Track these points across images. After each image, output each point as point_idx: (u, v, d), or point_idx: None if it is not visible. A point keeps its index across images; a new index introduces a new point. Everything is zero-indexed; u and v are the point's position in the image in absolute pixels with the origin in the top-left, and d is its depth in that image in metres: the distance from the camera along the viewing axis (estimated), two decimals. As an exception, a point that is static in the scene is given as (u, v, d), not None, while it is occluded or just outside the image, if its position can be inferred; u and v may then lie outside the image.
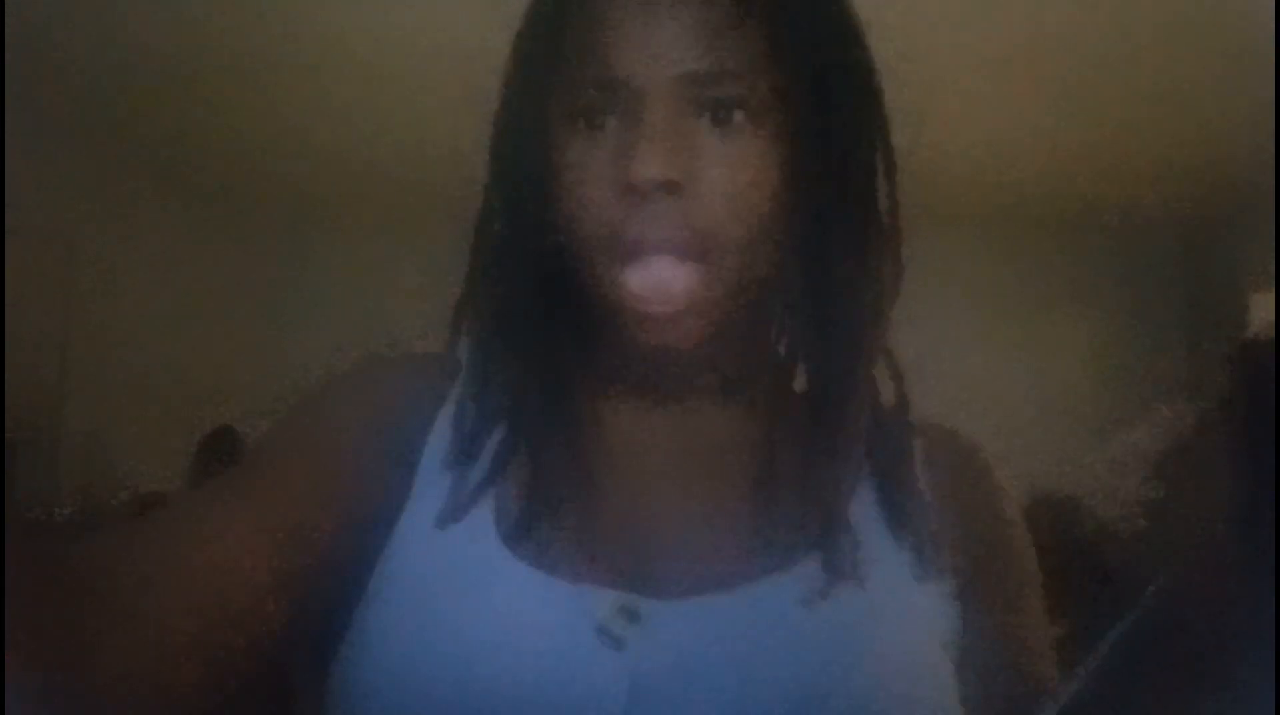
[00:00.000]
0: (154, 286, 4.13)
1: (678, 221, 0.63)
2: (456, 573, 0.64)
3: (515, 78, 0.70)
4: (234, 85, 3.06)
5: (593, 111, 0.65)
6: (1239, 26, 2.35)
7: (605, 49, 0.64)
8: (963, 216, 3.83)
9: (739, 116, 0.64)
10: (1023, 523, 0.75)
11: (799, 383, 0.72)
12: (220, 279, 4.41)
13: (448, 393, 0.72)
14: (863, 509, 0.70)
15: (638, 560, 0.66)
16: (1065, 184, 3.91)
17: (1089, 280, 4.72)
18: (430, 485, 0.68)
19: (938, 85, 2.81)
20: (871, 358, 0.70)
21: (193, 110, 3.21)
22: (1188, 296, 4.76)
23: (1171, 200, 4.00)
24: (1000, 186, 3.89)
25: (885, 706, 0.63)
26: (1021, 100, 3.27)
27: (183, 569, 0.57)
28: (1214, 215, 4.29)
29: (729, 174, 0.64)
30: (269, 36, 2.73)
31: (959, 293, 4.09)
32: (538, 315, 0.69)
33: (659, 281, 0.64)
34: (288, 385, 0.79)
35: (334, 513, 0.64)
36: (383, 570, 0.65)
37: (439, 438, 0.70)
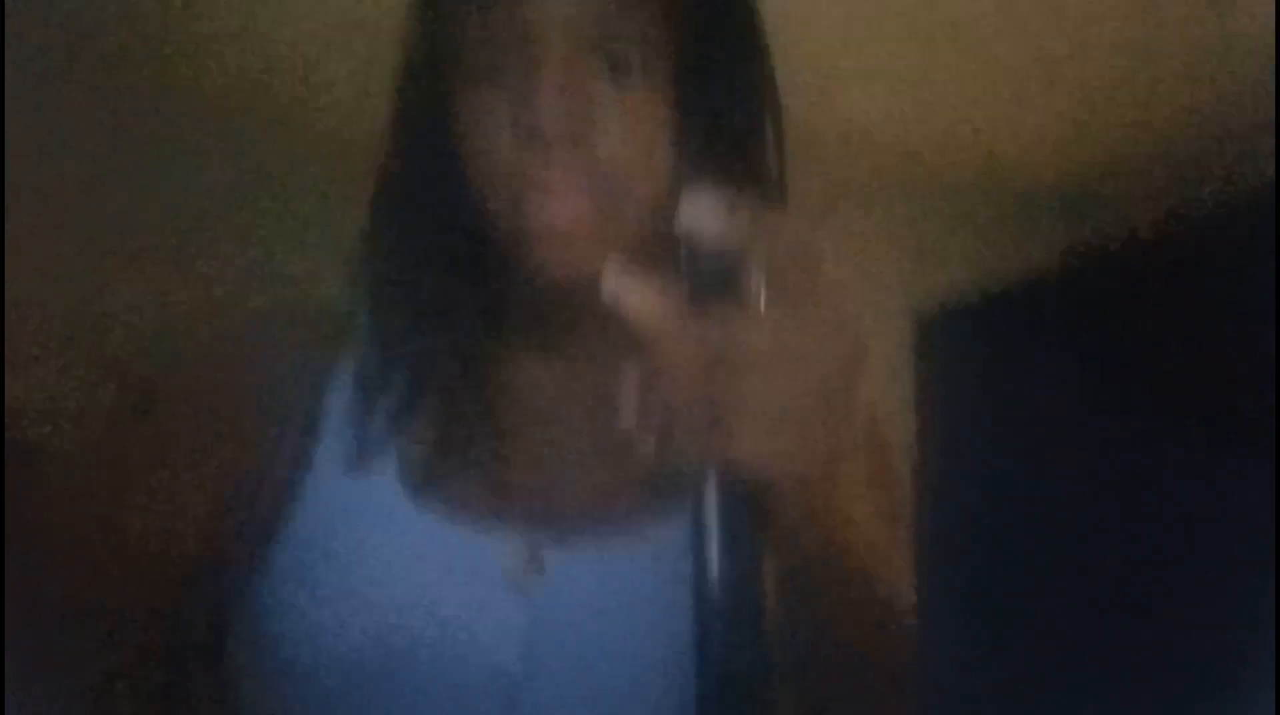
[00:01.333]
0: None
1: (578, 167, 0.65)
2: (362, 521, 0.66)
3: (419, 26, 0.70)
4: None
5: (492, 63, 0.66)
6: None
7: (505, 4, 0.65)
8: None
9: (635, 68, 0.66)
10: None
11: None
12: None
13: (345, 340, 0.72)
14: None
15: (543, 511, 0.68)
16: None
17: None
18: (334, 434, 0.69)
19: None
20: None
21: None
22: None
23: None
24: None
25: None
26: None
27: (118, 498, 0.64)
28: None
29: (626, 122, 0.66)
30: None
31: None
32: (439, 263, 0.70)
33: (559, 206, 0.65)
34: (204, 330, 0.80)
35: (250, 456, 0.67)
36: (291, 511, 0.67)
37: (341, 386, 0.70)
